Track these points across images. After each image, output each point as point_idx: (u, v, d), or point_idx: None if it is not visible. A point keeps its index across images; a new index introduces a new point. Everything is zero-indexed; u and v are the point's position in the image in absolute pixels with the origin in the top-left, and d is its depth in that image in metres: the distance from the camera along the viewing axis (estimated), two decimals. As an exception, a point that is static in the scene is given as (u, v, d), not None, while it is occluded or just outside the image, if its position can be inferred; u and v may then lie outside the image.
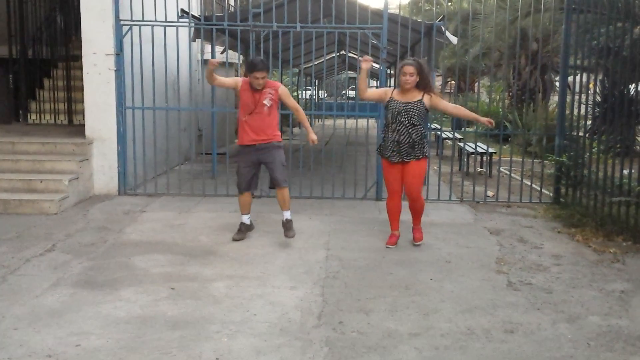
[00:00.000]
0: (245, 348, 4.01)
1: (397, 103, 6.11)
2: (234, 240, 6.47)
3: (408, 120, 6.08)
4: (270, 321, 4.45)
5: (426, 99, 6.11)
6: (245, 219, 6.61)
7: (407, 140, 6.09)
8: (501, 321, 4.52)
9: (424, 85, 6.10)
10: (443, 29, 9.17)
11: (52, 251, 6.10)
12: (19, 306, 4.65)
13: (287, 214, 6.42)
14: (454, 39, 9.94)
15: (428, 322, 4.46)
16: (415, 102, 6.08)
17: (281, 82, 14.29)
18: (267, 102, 6.18)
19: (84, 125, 8.96)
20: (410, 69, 6.02)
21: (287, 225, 6.39)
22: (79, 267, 5.62)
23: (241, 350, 3.97)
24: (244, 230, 6.63)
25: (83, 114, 9.01)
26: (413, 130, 6.09)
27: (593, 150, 8.06)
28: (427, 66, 6.12)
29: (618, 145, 7.58)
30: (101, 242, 6.46)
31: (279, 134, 6.44)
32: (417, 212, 6.49)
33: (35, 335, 4.16)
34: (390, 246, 6.36)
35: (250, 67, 6.09)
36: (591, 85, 8.70)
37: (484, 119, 6.32)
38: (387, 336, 4.24)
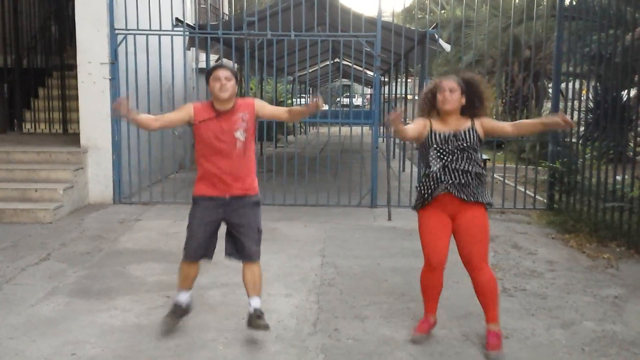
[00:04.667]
0: (241, 356, 4.02)
1: (442, 134, 4.17)
2: (162, 330, 4.35)
3: (462, 157, 4.14)
4: (266, 329, 4.46)
5: (477, 125, 4.21)
6: (183, 298, 4.44)
7: (466, 177, 4.14)
8: (496, 327, 4.53)
9: (474, 106, 4.24)
10: (436, 36, 9.23)
11: (47, 260, 6.10)
12: (14, 315, 4.65)
13: (256, 302, 4.28)
14: (447, 47, 10.00)
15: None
16: (465, 130, 4.18)
17: (276, 90, 14.21)
18: (240, 134, 4.17)
19: (78, 134, 8.98)
20: (450, 83, 4.17)
21: (256, 314, 4.23)
22: (74, 276, 5.62)
23: (236, 358, 3.98)
24: (178, 315, 4.42)
25: (78, 122, 9.03)
26: (470, 164, 4.16)
27: (586, 156, 8.11)
28: (476, 81, 4.31)
29: (611, 152, 7.63)
30: (96, 250, 6.46)
31: (257, 182, 4.38)
32: (489, 294, 4.17)
33: (31, 344, 4.16)
34: (419, 334, 4.29)
35: (210, 69, 4.25)
36: (584, 92, 8.76)
37: (558, 119, 4.07)
38: (382, 343, 4.25)
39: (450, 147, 4.14)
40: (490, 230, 4.09)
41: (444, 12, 22.19)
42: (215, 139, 4.14)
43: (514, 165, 9.78)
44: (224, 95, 4.12)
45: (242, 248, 4.26)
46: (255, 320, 4.17)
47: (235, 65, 11.48)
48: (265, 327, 4.16)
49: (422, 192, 4.23)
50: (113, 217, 7.95)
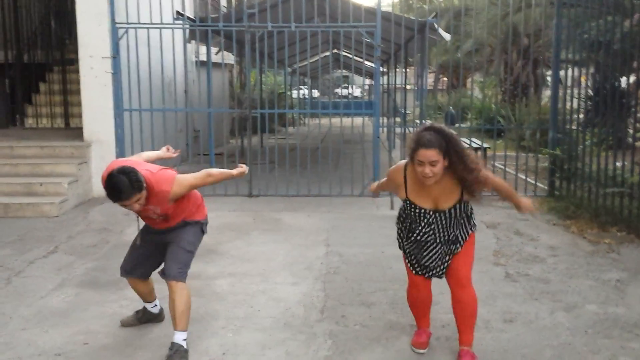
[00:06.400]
0: (250, 342, 4.09)
1: (420, 210, 3.66)
2: (121, 324, 4.38)
3: (444, 229, 3.68)
4: (274, 316, 4.53)
5: (467, 195, 3.61)
6: (150, 306, 4.39)
7: (443, 253, 3.76)
8: (500, 311, 4.61)
9: (465, 173, 3.48)
10: (436, 25, 9.27)
11: (55, 253, 6.17)
12: (25, 307, 4.72)
13: (176, 336, 3.87)
14: (446, 36, 10.04)
15: (430, 313, 4.54)
16: (451, 209, 3.63)
17: (275, 82, 14.19)
18: (156, 216, 3.91)
19: (80, 128, 9.03)
20: (430, 154, 3.40)
21: (169, 353, 3.82)
22: (83, 268, 5.69)
23: (247, 345, 4.06)
24: (139, 318, 4.40)
25: (79, 117, 9.08)
26: (450, 242, 3.73)
27: (586, 143, 8.17)
28: (454, 136, 3.51)
29: (610, 138, 7.68)
30: (103, 243, 6.53)
31: (196, 212, 4.13)
32: (466, 313, 3.78)
33: (44, 335, 4.23)
34: (419, 350, 3.96)
35: (112, 198, 3.60)
36: (583, 79, 8.81)
37: (525, 204, 3.78)
38: (389, 328, 4.33)
39: (428, 228, 3.69)
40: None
41: (442, 1, 22.21)
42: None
43: (515, 154, 9.84)
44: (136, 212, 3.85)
45: (165, 265, 4.00)
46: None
47: (235, 57, 11.50)
48: None
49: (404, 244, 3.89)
50: (118, 210, 7.96)
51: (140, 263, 4.16)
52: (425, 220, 3.67)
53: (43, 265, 5.76)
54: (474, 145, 11.52)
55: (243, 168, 4.11)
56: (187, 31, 9.55)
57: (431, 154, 3.39)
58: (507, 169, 10.08)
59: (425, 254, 3.77)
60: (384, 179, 3.94)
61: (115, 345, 4.07)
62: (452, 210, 3.61)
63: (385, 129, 17.55)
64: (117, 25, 8.58)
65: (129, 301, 4.80)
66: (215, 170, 4.03)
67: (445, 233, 3.68)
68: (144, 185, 3.61)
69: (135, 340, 4.13)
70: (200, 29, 9.39)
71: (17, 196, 7.95)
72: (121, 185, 3.51)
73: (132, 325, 4.37)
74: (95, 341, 4.13)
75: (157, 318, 4.43)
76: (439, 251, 3.73)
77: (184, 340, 3.85)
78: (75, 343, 4.10)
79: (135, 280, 4.22)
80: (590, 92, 9.73)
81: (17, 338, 4.17)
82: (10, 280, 5.34)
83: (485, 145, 11.51)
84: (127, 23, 8.59)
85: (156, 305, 4.40)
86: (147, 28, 8.62)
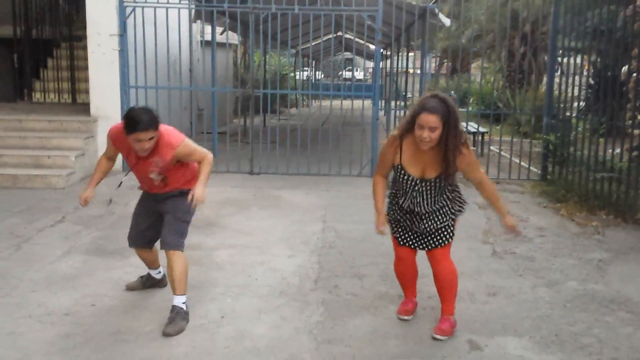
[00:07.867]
0: (247, 308, 4.36)
1: (409, 178, 3.86)
2: (127, 288, 4.68)
3: (427, 200, 3.92)
4: (271, 285, 4.79)
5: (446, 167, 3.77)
6: (154, 273, 4.68)
7: (428, 225, 4.01)
8: (485, 285, 4.87)
9: (451, 144, 3.66)
10: (436, 11, 9.43)
11: (62, 222, 6.42)
12: (34, 271, 4.98)
13: (176, 300, 4.11)
14: (447, 21, 10.20)
15: (417, 285, 4.74)
16: (437, 178, 3.83)
17: (279, 63, 14.30)
18: (154, 176, 4.11)
19: (87, 103, 9.23)
20: (432, 119, 3.57)
21: (171, 315, 4.05)
22: (89, 237, 5.95)
23: (244, 310, 4.32)
24: (144, 282, 4.69)
25: (86, 92, 9.27)
26: (435, 213, 3.99)
27: (579, 129, 8.36)
28: (456, 108, 3.68)
29: (603, 125, 7.86)
30: (109, 214, 6.78)
31: (192, 179, 4.27)
32: (445, 285, 4.08)
33: (52, 296, 4.49)
34: (404, 317, 4.26)
35: (129, 128, 3.78)
36: (585, 66, 8.94)
37: (507, 221, 4.07)
38: (378, 298, 4.59)
39: (415, 195, 3.91)
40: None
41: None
42: (131, 165, 4.13)
43: (510, 138, 10.05)
44: (144, 154, 3.97)
45: (161, 236, 4.20)
46: (167, 323, 4.00)
47: (239, 38, 11.66)
48: (172, 332, 3.94)
49: (392, 221, 4.17)
50: (123, 184, 8.23)
51: (144, 233, 4.41)
52: (412, 187, 3.88)
53: (51, 234, 6.02)
54: (472, 129, 11.74)
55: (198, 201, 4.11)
56: (193, 11, 9.72)
57: (433, 119, 3.56)
58: (502, 153, 10.31)
59: (408, 220, 4.05)
60: (384, 151, 4.00)
61: (121, 307, 4.33)
62: (436, 181, 3.83)
63: (384, 112, 17.74)
64: (125, 4, 8.77)
65: (134, 268, 5.04)
66: (208, 169, 4.23)
67: (428, 203, 3.92)
68: (159, 125, 3.88)
69: (140, 303, 4.40)
70: (205, 9, 9.57)
71: (26, 168, 8.18)
72: (142, 115, 3.79)
73: (136, 289, 4.64)
74: (102, 303, 4.39)
75: (160, 283, 4.70)
76: (421, 219, 3.99)
77: (184, 303, 4.12)
78: (82, 305, 4.35)
79: (141, 249, 4.50)
80: (587, 80, 9.91)
81: (27, 299, 4.43)
82: (20, 247, 5.60)
83: (482, 129, 11.72)
84: (135, 2, 8.77)
85: (160, 272, 4.69)
86: (154, 7, 8.80)
